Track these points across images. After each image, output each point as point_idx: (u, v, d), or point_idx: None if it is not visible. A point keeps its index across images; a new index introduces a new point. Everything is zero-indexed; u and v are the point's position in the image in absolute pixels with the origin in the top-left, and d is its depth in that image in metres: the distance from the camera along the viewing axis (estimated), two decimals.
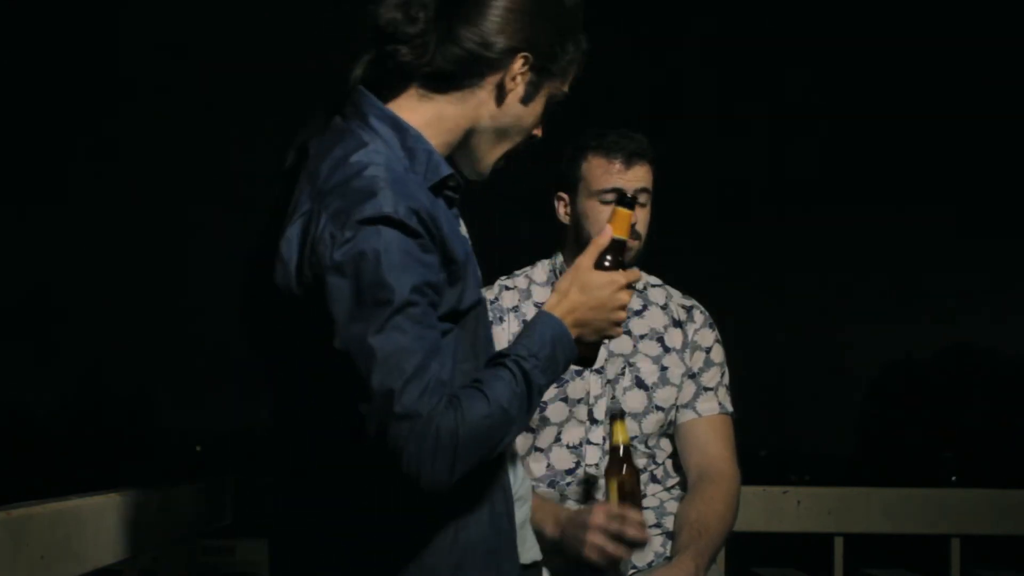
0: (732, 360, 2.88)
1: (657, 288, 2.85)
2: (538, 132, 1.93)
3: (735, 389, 2.84)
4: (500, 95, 1.85)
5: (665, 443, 2.78)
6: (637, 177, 2.68)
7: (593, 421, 2.71)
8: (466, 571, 1.83)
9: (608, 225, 1.96)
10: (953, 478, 50.77)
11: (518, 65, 1.83)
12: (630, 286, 1.93)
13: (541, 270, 2.83)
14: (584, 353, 1.94)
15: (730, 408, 2.80)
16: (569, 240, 2.78)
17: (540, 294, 2.79)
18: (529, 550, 2.08)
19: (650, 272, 2.86)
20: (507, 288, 2.81)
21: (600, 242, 1.94)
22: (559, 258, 2.82)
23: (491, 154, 1.91)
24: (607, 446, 2.64)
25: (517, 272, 2.85)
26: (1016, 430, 55.89)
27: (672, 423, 2.77)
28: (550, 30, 1.85)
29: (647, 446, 2.74)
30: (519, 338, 1.85)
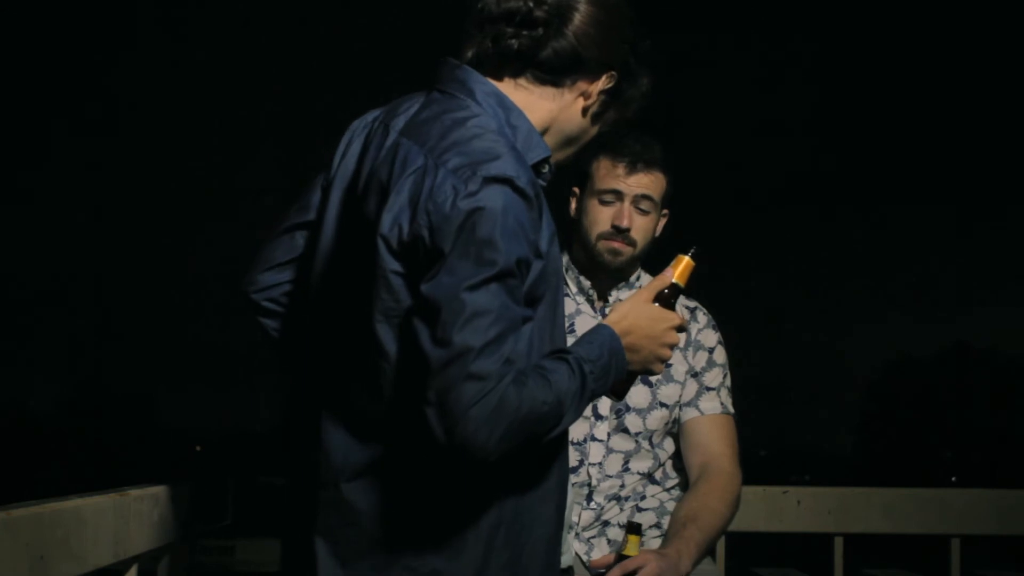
0: (732, 360, 2.89)
1: None
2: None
3: (735, 388, 2.85)
4: (585, 104, 1.96)
5: (668, 443, 2.79)
6: (638, 183, 2.69)
7: (597, 417, 2.71)
8: (527, 561, 1.85)
9: (670, 268, 2.06)
10: (953, 478, 50.75)
11: (604, 80, 1.95)
12: (681, 330, 2.00)
13: None
14: (619, 385, 1.98)
15: (732, 410, 2.81)
16: (573, 236, 2.79)
17: None
18: (565, 553, 2.07)
19: (653, 273, 2.86)
20: None
21: (661, 281, 2.03)
22: (565, 256, 2.82)
23: (555, 156, 1.97)
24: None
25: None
26: (1016, 430, 55.87)
27: (675, 421, 2.78)
28: (633, 59, 1.98)
29: (651, 444, 2.74)
30: (580, 341, 1.88)
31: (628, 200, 2.69)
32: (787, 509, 3.77)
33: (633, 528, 2.48)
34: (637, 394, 2.73)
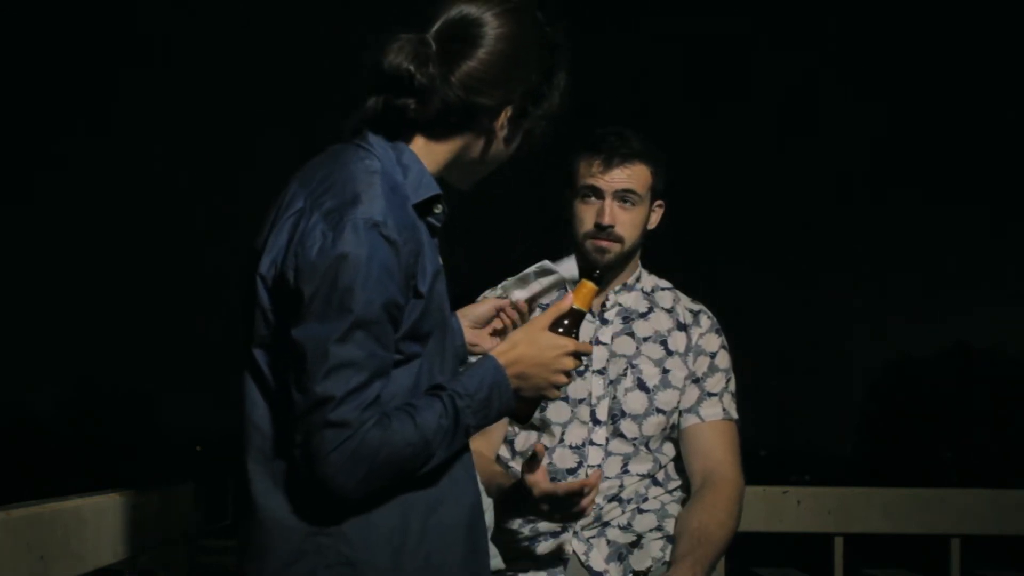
0: (732, 360, 2.86)
1: (666, 291, 2.85)
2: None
3: (736, 389, 2.84)
4: (489, 137, 1.96)
5: (668, 447, 2.78)
6: (616, 178, 2.67)
7: (596, 422, 2.70)
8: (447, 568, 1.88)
9: (569, 293, 2.05)
10: (953, 478, 50.71)
11: (507, 113, 1.95)
12: (578, 356, 2.01)
13: None
14: (521, 410, 2.01)
15: (735, 415, 2.79)
16: (568, 238, 2.78)
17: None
18: (493, 558, 2.09)
19: (661, 275, 2.86)
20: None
21: (560, 307, 2.02)
22: None
23: (471, 179, 2.03)
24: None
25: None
26: (1016, 430, 55.85)
27: (674, 427, 2.77)
28: (536, 76, 1.95)
29: (649, 449, 2.73)
30: (460, 375, 1.92)
31: (609, 196, 2.67)
32: (787, 509, 3.77)
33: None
34: (634, 400, 2.71)
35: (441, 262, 1.94)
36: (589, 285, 2.06)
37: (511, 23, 1.93)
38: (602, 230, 2.67)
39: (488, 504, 2.10)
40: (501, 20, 1.92)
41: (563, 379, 2.00)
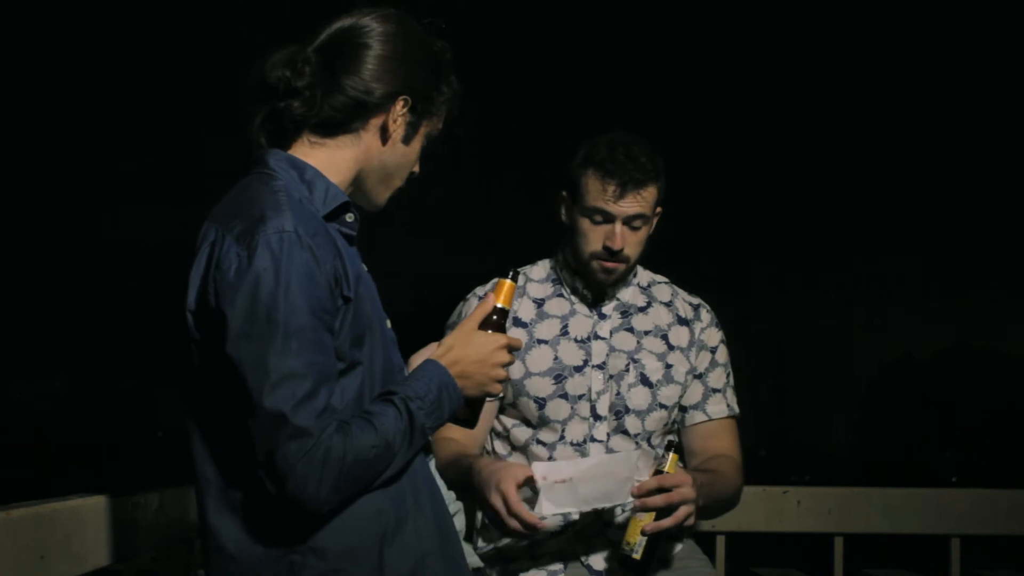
0: (732, 358, 2.87)
1: (662, 285, 2.85)
2: (416, 169, 2.08)
3: (736, 387, 2.85)
4: (384, 136, 1.99)
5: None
6: (629, 206, 2.64)
7: (597, 417, 2.71)
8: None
9: (491, 294, 2.10)
10: (953, 478, 50.74)
11: (398, 107, 1.98)
12: (511, 350, 2.05)
13: (540, 268, 2.83)
14: (466, 415, 2.06)
15: (736, 409, 2.81)
16: (565, 240, 2.77)
17: (536, 290, 2.78)
18: (469, 556, 2.11)
19: (656, 270, 2.86)
20: None
21: (484, 308, 2.08)
22: (559, 255, 2.81)
23: (382, 193, 2.05)
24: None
25: (517, 269, 2.84)
26: (1016, 430, 55.86)
27: (675, 421, 2.78)
28: (424, 74, 2.01)
29: (650, 444, 2.74)
30: (406, 380, 1.95)
31: (619, 222, 2.65)
32: (787, 509, 3.77)
33: (672, 447, 2.50)
34: (637, 396, 2.71)
35: (364, 268, 1.98)
36: (508, 283, 2.12)
37: (392, 24, 2.00)
38: (612, 254, 2.66)
39: (458, 507, 2.12)
40: (381, 22, 1.99)
41: (502, 373, 2.04)
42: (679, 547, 2.78)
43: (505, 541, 2.70)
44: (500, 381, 2.05)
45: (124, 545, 2.54)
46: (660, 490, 2.45)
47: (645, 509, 2.46)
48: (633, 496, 2.46)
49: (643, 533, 2.46)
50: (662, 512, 2.45)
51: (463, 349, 2.02)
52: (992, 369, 59.09)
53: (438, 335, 2.52)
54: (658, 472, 2.48)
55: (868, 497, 3.84)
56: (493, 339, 2.04)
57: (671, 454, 2.49)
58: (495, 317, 2.09)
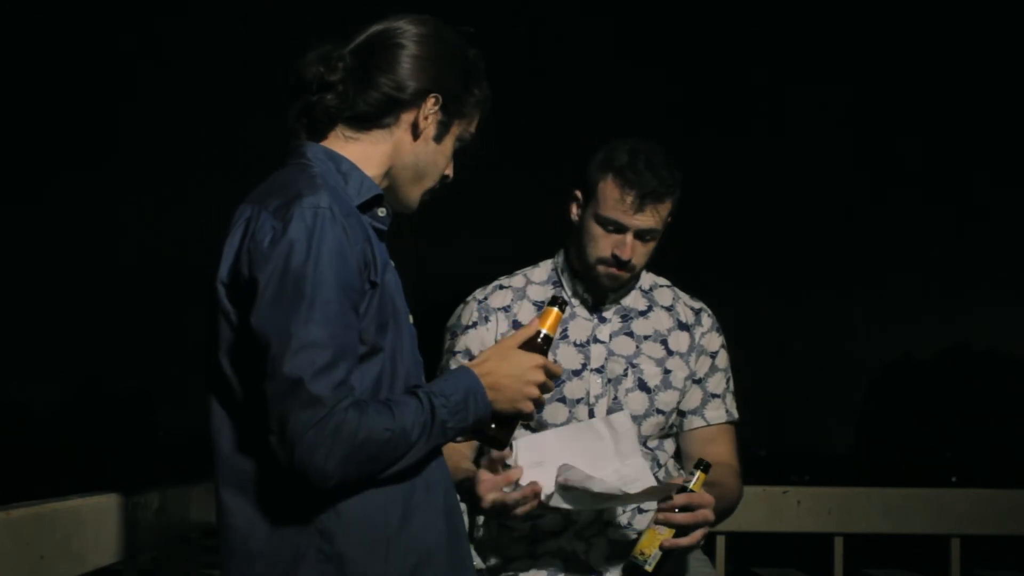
0: (732, 360, 2.87)
1: (664, 289, 2.84)
2: (449, 172, 2.10)
3: (736, 389, 2.84)
4: (415, 132, 2.03)
5: (668, 444, 2.78)
6: (645, 219, 2.63)
7: None
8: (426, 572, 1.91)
9: (537, 319, 2.09)
10: (953, 478, 50.73)
11: (429, 105, 2.02)
12: (549, 374, 2.04)
13: (542, 270, 2.82)
14: (497, 433, 2.04)
15: (736, 415, 2.80)
16: (570, 241, 2.76)
17: (537, 293, 2.78)
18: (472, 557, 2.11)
19: (659, 273, 2.85)
20: (501, 287, 2.79)
21: (527, 330, 2.07)
22: (560, 256, 2.80)
23: (414, 192, 2.08)
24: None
25: (517, 271, 2.84)
26: (1016, 430, 55.87)
27: (673, 425, 2.77)
28: (456, 75, 2.05)
29: (647, 447, 2.73)
30: (435, 380, 1.95)
31: (631, 233, 2.64)
32: (787, 509, 3.77)
33: (702, 465, 2.49)
34: (634, 401, 2.70)
35: (392, 263, 1.99)
36: (556, 312, 2.10)
37: (426, 27, 2.05)
38: (620, 264, 2.65)
39: (463, 508, 2.12)
40: (416, 25, 2.04)
41: (535, 392, 2.02)
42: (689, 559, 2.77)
43: (505, 541, 2.69)
44: (534, 402, 2.03)
45: (124, 545, 2.54)
46: (687, 508, 2.45)
47: (668, 524, 2.45)
48: (659, 510, 2.46)
49: (661, 548, 2.45)
50: (681, 530, 2.45)
51: (498, 362, 2.01)
52: (992, 369, 59.08)
53: (438, 335, 2.53)
54: (683, 489, 2.47)
55: (868, 497, 3.84)
56: (531, 358, 2.03)
57: (699, 472, 2.48)
58: (538, 340, 2.07)
